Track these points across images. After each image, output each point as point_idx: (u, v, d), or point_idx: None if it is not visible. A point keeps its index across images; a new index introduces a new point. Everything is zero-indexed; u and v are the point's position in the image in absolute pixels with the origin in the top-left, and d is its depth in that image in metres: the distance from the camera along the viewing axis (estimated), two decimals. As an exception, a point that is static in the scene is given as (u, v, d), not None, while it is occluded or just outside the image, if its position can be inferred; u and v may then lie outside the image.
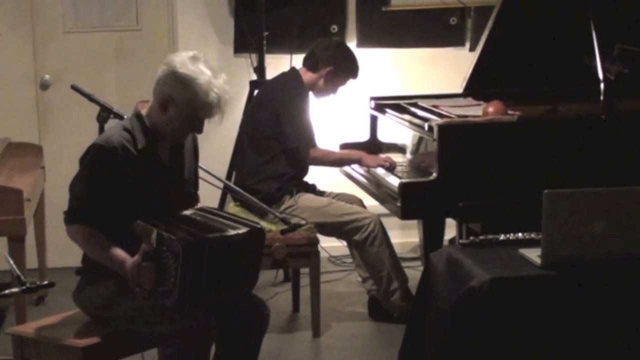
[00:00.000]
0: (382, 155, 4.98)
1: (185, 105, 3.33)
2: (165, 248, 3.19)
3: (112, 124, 3.67)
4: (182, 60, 3.35)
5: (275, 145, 4.90)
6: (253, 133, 5.00)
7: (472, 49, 5.92)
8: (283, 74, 5.11)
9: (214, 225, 3.34)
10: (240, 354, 3.52)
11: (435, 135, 4.22)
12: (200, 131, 3.43)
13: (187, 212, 3.43)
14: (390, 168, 4.78)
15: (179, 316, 3.26)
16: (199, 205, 3.63)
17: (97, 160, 3.35)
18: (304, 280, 5.06)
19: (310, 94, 5.04)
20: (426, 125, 4.36)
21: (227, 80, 3.39)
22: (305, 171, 5.04)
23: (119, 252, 3.32)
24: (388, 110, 5.05)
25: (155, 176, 3.44)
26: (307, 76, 5.01)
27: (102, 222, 3.36)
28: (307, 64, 5.05)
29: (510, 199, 4.19)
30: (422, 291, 3.45)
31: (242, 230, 3.31)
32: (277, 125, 4.87)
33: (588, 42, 4.31)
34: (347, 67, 5.02)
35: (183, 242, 3.16)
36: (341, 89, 5.10)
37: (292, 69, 5.11)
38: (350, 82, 5.10)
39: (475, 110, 4.56)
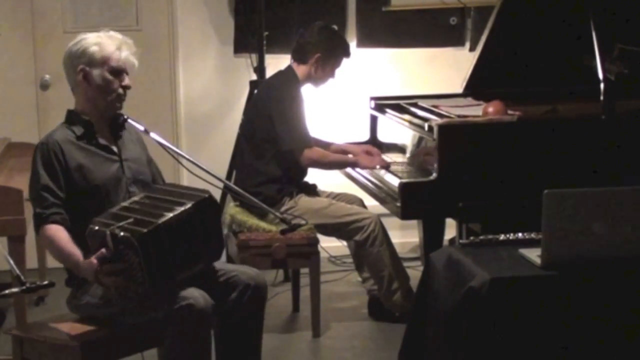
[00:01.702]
0: (377, 157, 4.97)
1: (97, 62, 3.52)
2: (123, 246, 3.21)
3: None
4: (70, 44, 3.59)
5: (271, 148, 4.87)
6: (250, 135, 4.98)
7: (472, 49, 5.92)
8: (279, 73, 5.07)
9: (163, 206, 3.35)
10: (245, 330, 3.55)
11: (435, 135, 4.22)
12: (127, 83, 3.57)
13: (136, 198, 3.45)
14: (387, 167, 4.77)
15: (172, 299, 3.28)
16: None
17: (42, 157, 3.48)
18: (304, 280, 5.06)
19: (311, 86, 5.02)
20: (426, 125, 4.36)
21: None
22: (303, 173, 5.02)
23: (75, 252, 3.35)
24: (388, 110, 5.05)
25: (102, 161, 3.53)
26: (300, 70, 4.97)
27: (65, 218, 3.42)
28: (296, 57, 4.99)
29: (510, 199, 4.19)
30: (422, 291, 3.45)
31: (189, 204, 3.33)
32: (272, 127, 4.85)
33: (588, 42, 4.31)
34: (335, 48, 4.95)
35: (136, 235, 3.18)
36: (342, 79, 5.05)
37: (287, 67, 5.04)
38: (352, 71, 5.05)
39: (475, 110, 4.56)
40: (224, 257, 3.69)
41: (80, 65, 3.52)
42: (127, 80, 3.58)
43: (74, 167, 3.47)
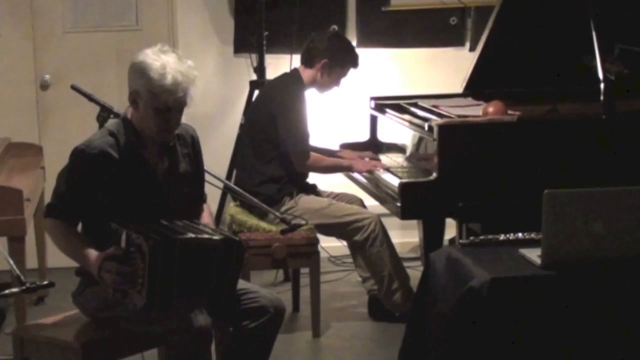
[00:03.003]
0: (374, 160, 4.97)
1: (146, 93, 3.32)
2: (134, 249, 3.18)
3: (112, 123, 3.68)
4: (143, 53, 3.39)
5: (272, 148, 4.87)
6: (252, 135, 4.98)
7: (472, 49, 5.92)
8: (284, 75, 5.08)
9: (192, 229, 3.29)
10: (255, 350, 3.52)
11: (435, 135, 4.22)
12: (171, 122, 3.36)
13: (176, 221, 3.37)
14: (387, 170, 4.77)
15: (174, 316, 3.26)
16: (205, 206, 3.65)
17: (77, 165, 3.38)
18: (304, 280, 5.06)
19: (314, 90, 5.02)
20: (426, 125, 4.36)
21: (191, 65, 3.37)
22: (305, 174, 5.02)
23: (86, 249, 3.31)
24: (388, 110, 5.05)
25: (142, 180, 3.41)
26: (306, 74, 4.98)
27: (82, 220, 3.40)
28: (303, 60, 5.01)
29: (510, 199, 4.19)
30: (422, 291, 3.45)
31: (217, 237, 3.27)
32: (274, 127, 4.85)
33: (588, 42, 4.31)
34: (342, 57, 4.96)
35: (150, 241, 3.13)
36: (344, 81, 5.04)
37: (293, 70, 5.06)
38: (352, 72, 5.05)
39: (475, 110, 4.56)
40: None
41: (132, 89, 3.34)
42: (177, 118, 3.36)
43: (106, 184, 3.35)
